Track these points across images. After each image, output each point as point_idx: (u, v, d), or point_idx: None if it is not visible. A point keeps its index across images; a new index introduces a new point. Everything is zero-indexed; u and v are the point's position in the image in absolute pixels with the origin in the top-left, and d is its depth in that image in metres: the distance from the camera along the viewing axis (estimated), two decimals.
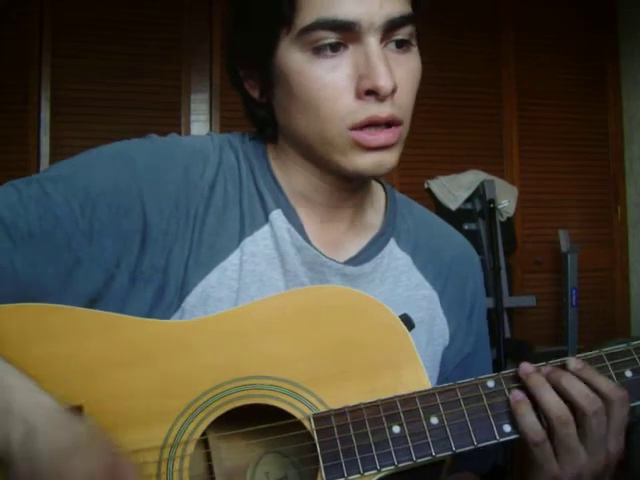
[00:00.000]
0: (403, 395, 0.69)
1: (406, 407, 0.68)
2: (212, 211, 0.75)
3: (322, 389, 0.69)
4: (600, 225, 3.57)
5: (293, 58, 0.70)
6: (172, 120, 3.07)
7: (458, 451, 0.67)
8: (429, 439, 0.67)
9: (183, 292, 0.72)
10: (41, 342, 0.67)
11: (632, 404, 0.69)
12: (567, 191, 3.50)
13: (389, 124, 0.71)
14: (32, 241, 0.68)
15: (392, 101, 0.70)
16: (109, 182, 0.71)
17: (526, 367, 0.70)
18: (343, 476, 0.65)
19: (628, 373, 0.71)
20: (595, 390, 0.67)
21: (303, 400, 0.68)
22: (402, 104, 0.72)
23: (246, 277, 0.75)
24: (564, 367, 0.70)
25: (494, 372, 0.73)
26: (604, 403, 0.66)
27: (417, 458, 0.66)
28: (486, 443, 0.67)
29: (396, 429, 0.67)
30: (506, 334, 2.94)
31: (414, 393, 0.69)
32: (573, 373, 0.68)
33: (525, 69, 3.48)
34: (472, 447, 0.67)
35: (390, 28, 0.69)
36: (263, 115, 0.79)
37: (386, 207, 0.87)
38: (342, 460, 0.66)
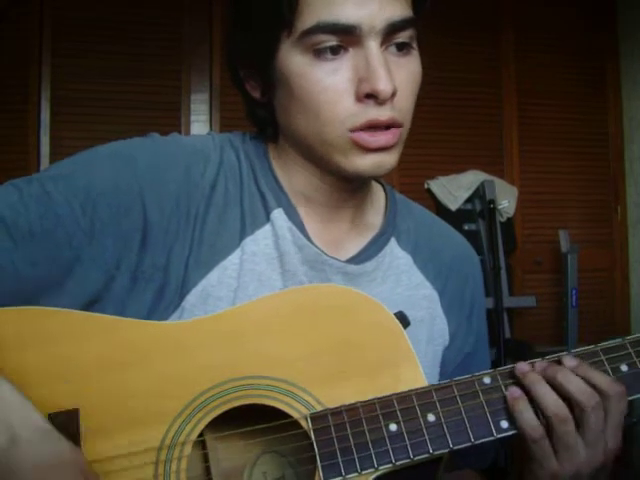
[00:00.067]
0: (400, 393, 0.69)
1: (403, 405, 0.68)
2: (213, 210, 0.75)
3: (319, 389, 0.69)
4: (600, 225, 3.57)
5: (294, 61, 0.70)
6: (172, 120, 3.08)
7: (455, 448, 0.67)
8: (426, 436, 0.67)
9: (183, 291, 0.72)
10: (39, 345, 0.66)
11: (629, 398, 0.69)
12: (567, 191, 3.50)
13: (389, 126, 0.71)
14: (33, 240, 0.68)
15: (392, 104, 0.70)
16: (110, 181, 0.71)
17: (522, 366, 0.70)
18: (341, 475, 0.65)
19: (624, 367, 0.71)
20: (592, 385, 0.67)
21: (300, 400, 0.68)
22: (402, 107, 0.72)
23: (245, 276, 0.75)
24: (559, 363, 0.70)
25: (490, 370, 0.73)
26: (601, 398, 0.67)
27: (414, 456, 0.66)
28: (483, 439, 0.67)
29: (393, 427, 0.67)
30: (506, 334, 2.94)
31: (411, 391, 0.69)
32: (569, 369, 0.68)
33: (525, 69, 3.48)
34: (469, 444, 0.67)
35: (391, 32, 0.69)
36: (264, 115, 0.79)
37: (386, 207, 0.87)
38: (339, 459, 0.66)
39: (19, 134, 2.93)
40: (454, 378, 0.70)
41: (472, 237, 3.08)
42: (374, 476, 0.66)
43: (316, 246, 0.78)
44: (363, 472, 0.65)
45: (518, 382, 0.70)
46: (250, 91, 0.78)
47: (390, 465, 0.66)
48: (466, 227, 3.21)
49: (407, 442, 0.66)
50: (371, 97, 0.69)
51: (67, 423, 0.65)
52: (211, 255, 0.74)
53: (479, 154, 3.37)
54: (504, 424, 0.68)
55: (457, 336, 0.87)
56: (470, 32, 3.38)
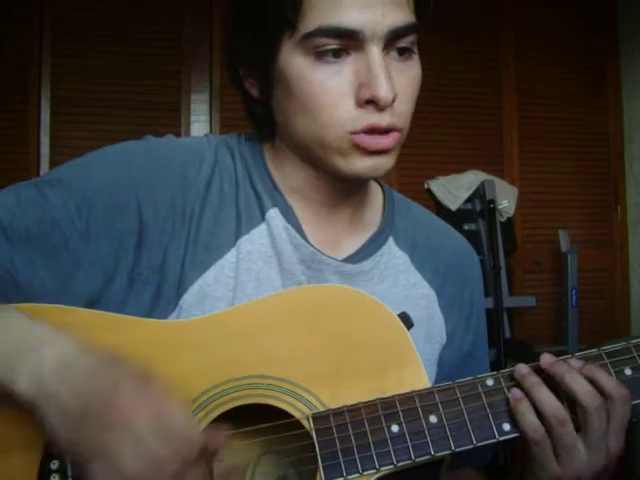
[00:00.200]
0: (402, 394, 0.69)
1: (405, 406, 0.68)
2: (208, 209, 0.75)
3: (321, 388, 0.69)
4: (600, 225, 3.57)
5: (295, 62, 0.70)
6: (172, 120, 3.07)
7: (457, 450, 0.67)
8: (428, 438, 0.67)
9: (180, 290, 0.73)
10: None
11: (633, 402, 0.69)
12: (567, 191, 3.50)
13: (388, 130, 0.71)
14: (30, 241, 0.69)
15: (392, 109, 0.70)
16: (105, 183, 0.72)
17: (521, 368, 0.70)
18: (342, 475, 0.65)
19: (628, 371, 0.71)
20: (597, 387, 0.67)
21: (302, 399, 0.68)
22: (401, 112, 0.72)
23: (242, 275, 0.75)
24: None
25: (493, 372, 0.73)
26: (605, 401, 0.67)
27: (416, 457, 0.66)
28: (485, 442, 0.67)
29: (395, 428, 0.67)
30: (506, 334, 2.94)
31: (413, 392, 0.69)
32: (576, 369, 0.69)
33: (525, 69, 3.48)
34: (471, 446, 0.67)
35: (393, 37, 0.69)
36: (261, 113, 0.79)
37: (384, 206, 0.87)
38: (341, 459, 0.66)
39: (19, 134, 2.92)
40: (457, 380, 0.70)
41: (472, 237, 3.08)
42: (375, 477, 0.66)
43: (312, 245, 0.78)
44: (364, 473, 0.65)
45: (520, 384, 0.70)
46: (249, 88, 0.78)
47: (391, 466, 0.66)
48: (466, 227, 3.20)
49: (409, 443, 0.66)
50: (371, 103, 0.69)
51: None
52: (207, 254, 0.74)
53: (479, 154, 3.37)
54: (506, 427, 0.68)
55: (455, 335, 0.87)
56: (470, 32, 3.38)
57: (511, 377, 0.71)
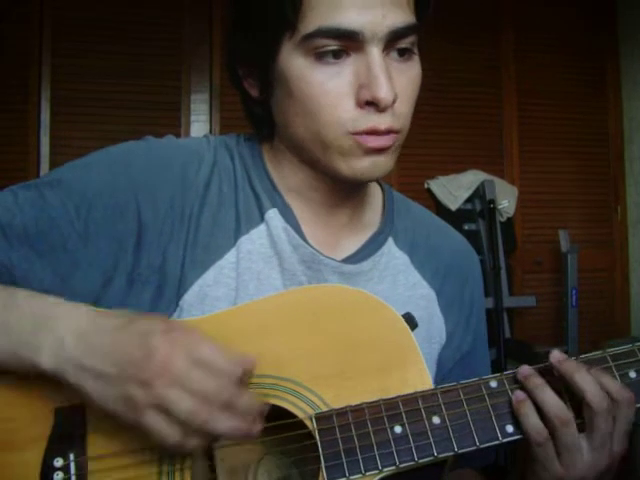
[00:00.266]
0: (405, 395, 0.68)
1: (408, 407, 0.68)
2: (207, 210, 0.75)
3: (324, 388, 0.69)
4: (600, 225, 3.57)
5: (295, 63, 0.70)
6: (172, 120, 3.07)
7: (460, 452, 0.67)
8: (431, 439, 0.67)
9: (180, 291, 0.73)
10: None
11: (637, 405, 0.69)
12: (567, 191, 3.50)
13: (387, 132, 0.71)
14: (28, 240, 0.70)
15: (392, 110, 0.70)
16: (105, 184, 0.72)
17: (524, 370, 0.70)
18: (345, 476, 0.65)
19: (632, 374, 0.70)
20: (603, 389, 0.67)
21: (305, 399, 0.68)
22: (401, 113, 0.72)
23: (244, 275, 0.75)
24: None
25: (493, 372, 0.73)
26: (612, 403, 0.66)
27: (419, 458, 0.66)
28: (489, 444, 0.67)
29: (398, 429, 0.67)
30: (506, 334, 2.94)
31: (416, 393, 0.69)
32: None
33: (525, 69, 3.48)
34: (474, 447, 0.67)
35: (393, 38, 0.69)
36: (261, 113, 0.79)
37: (384, 206, 0.87)
38: (344, 460, 0.65)
39: (19, 134, 2.92)
40: (460, 381, 0.70)
41: (472, 237, 3.08)
42: (378, 478, 0.66)
43: (311, 246, 0.78)
44: (367, 473, 0.65)
45: (523, 386, 0.69)
46: (248, 89, 0.78)
47: (394, 467, 0.66)
48: (466, 227, 3.20)
49: (412, 444, 0.66)
50: (372, 104, 0.69)
51: (72, 418, 0.66)
52: (206, 255, 0.74)
53: (479, 154, 3.37)
54: (509, 428, 0.68)
55: (455, 335, 0.87)
56: (470, 32, 3.38)
57: (514, 379, 0.70)
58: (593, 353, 0.71)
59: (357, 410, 0.68)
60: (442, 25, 3.12)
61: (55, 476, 0.64)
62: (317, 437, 0.66)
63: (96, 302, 0.71)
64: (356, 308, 0.72)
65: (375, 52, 0.68)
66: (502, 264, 3.05)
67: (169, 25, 3.12)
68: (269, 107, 0.77)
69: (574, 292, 3.09)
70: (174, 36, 3.11)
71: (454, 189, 3.24)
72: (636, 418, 0.68)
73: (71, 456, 0.65)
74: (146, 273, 0.72)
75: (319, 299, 0.72)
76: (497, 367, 2.70)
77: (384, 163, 0.72)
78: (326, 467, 0.65)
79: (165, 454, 0.65)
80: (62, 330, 0.63)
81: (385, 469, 0.66)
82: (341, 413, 0.67)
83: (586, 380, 0.67)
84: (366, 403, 0.68)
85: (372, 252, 0.82)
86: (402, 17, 0.69)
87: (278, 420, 0.68)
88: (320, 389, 0.69)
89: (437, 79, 3.16)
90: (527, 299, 3.17)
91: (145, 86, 3.04)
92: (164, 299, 0.73)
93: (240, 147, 0.81)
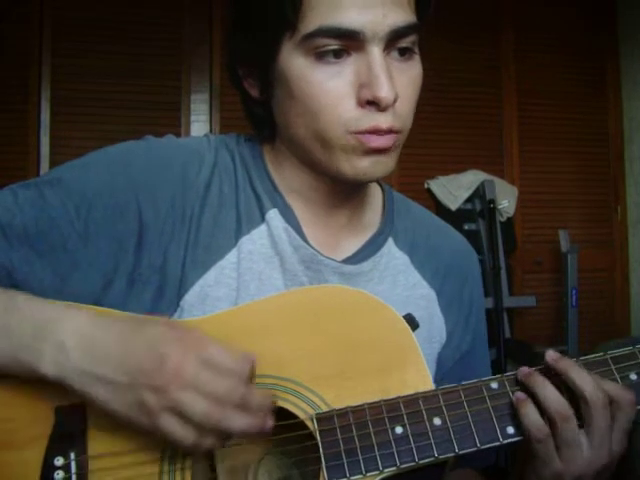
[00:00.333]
0: (406, 396, 0.68)
1: (409, 408, 0.68)
2: (208, 210, 0.75)
3: (325, 388, 0.69)
4: (600, 225, 3.57)
5: (295, 62, 0.70)
6: (172, 120, 3.07)
7: (461, 453, 0.67)
8: (432, 440, 0.67)
9: (181, 291, 0.73)
10: None
11: (638, 407, 0.69)
12: (567, 191, 3.50)
13: (388, 132, 0.71)
14: (28, 241, 0.69)
15: (393, 110, 0.70)
16: (105, 184, 0.72)
17: (524, 369, 0.70)
18: (345, 476, 0.65)
19: (633, 376, 0.70)
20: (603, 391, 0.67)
21: (306, 399, 0.68)
22: (403, 112, 0.72)
23: (245, 275, 0.75)
24: None
25: (493, 371, 0.73)
26: (611, 405, 0.67)
27: (420, 459, 0.66)
28: (489, 445, 0.67)
29: (399, 430, 0.67)
30: (506, 334, 2.94)
31: (417, 394, 0.69)
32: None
33: (525, 69, 3.48)
34: (475, 449, 0.67)
35: (394, 38, 0.69)
36: (261, 114, 0.79)
37: (384, 206, 0.87)
38: (344, 460, 0.65)
39: (19, 134, 2.93)
40: (461, 383, 0.70)
41: (472, 237, 3.08)
42: (379, 478, 0.66)
43: (312, 247, 0.78)
44: (368, 474, 0.65)
45: (523, 386, 0.70)
46: (248, 89, 0.78)
47: (395, 468, 0.66)
48: (466, 227, 3.20)
49: (412, 445, 0.66)
50: (372, 104, 0.69)
51: (73, 417, 0.65)
52: (207, 255, 0.74)
53: (479, 154, 3.37)
54: (510, 430, 0.68)
55: (454, 335, 0.87)
56: (470, 32, 3.38)
57: (515, 380, 0.71)
58: (594, 355, 0.71)
59: (358, 411, 0.67)
60: (442, 25, 3.12)
61: (56, 475, 0.64)
62: (318, 438, 0.66)
63: (97, 303, 0.71)
64: (357, 309, 0.72)
65: (376, 51, 0.68)
66: (502, 264, 3.05)
67: (169, 25, 3.12)
68: (270, 107, 0.77)
69: (574, 292, 3.09)
70: (174, 36, 3.11)
71: (454, 189, 3.24)
72: (636, 417, 0.68)
73: (72, 455, 0.65)
74: (147, 273, 0.72)
75: (320, 300, 0.72)
76: (497, 367, 2.69)
77: (385, 163, 0.72)
78: (327, 467, 0.65)
79: (166, 453, 0.65)
80: (63, 334, 0.63)
81: (386, 470, 0.65)
82: (342, 414, 0.67)
83: (582, 376, 0.67)
84: (367, 404, 0.68)
85: (372, 253, 0.82)
86: (403, 16, 0.69)
87: (279, 420, 0.67)
88: (321, 389, 0.69)
89: (437, 79, 3.16)
90: (527, 299, 3.17)
91: (145, 86, 3.04)
92: (164, 299, 0.72)
93: (241, 147, 0.81)
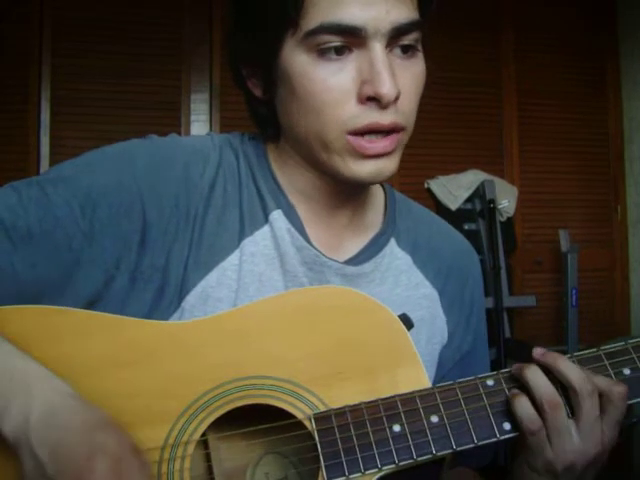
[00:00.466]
0: (403, 394, 0.69)
1: (406, 406, 0.68)
2: (212, 211, 0.75)
3: (323, 389, 0.69)
4: (600, 225, 3.57)
5: (298, 60, 0.70)
6: (172, 120, 3.07)
7: (459, 449, 0.67)
8: (430, 437, 0.67)
9: (183, 292, 0.73)
10: (43, 343, 0.67)
11: (630, 401, 0.70)
12: (567, 191, 3.50)
13: (390, 131, 0.71)
14: (32, 241, 0.69)
15: (395, 107, 0.70)
16: (109, 182, 0.72)
17: (518, 365, 0.71)
18: (344, 475, 0.65)
19: (626, 371, 0.71)
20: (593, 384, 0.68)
21: (304, 400, 0.68)
22: (405, 110, 0.71)
23: (245, 277, 0.75)
24: None
25: (493, 372, 0.73)
26: (601, 398, 0.67)
27: (418, 457, 0.66)
28: (486, 441, 0.68)
29: (397, 428, 0.67)
30: (506, 334, 2.94)
31: (414, 392, 0.69)
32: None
33: (525, 69, 3.48)
34: (472, 445, 0.67)
35: (396, 35, 0.69)
36: (265, 113, 0.78)
37: (386, 207, 0.87)
38: (343, 459, 0.66)
39: (19, 134, 2.93)
40: (457, 380, 0.71)
41: (472, 237, 3.08)
42: (378, 476, 0.66)
43: (315, 247, 0.78)
44: (367, 472, 0.65)
45: (518, 383, 0.70)
46: (252, 89, 0.78)
47: (393, 465, 0.66)
48: (466, 227, 3.20)
49: (410, 443, 0.67)
50: (373, 100, 0.68)
51: None
52: (210, 256, 0.74)
53: (479, 154, 3.37)
54: (507, 426, 0.69)
55: (455, 335, 0.87)
56: (470, 32, 3.38)
57: (511, 377, 0.71)
58: (588, 351, 0.72)
59: (356, 410, 0.68)
60: (442, 25, 3.12)
61: None
62: (316, 437, 0.66)
63: (98, 301, 0.71)
64: (354, 310, 0.72)
65: (378, 48, 0.68)
66: (502, 264, 3.05)
67: (169, 25, 3.12)
68: (273, 107, 0.77)
69: (574, 292, 3.09)
70: (174, 36, 3.12)
71: (454, 189, 3.24)
72: (636, 416, 0.69)
73: None
74: (149, 272, 0.72)
75: (317, 301, 0.73)
76: (497, 367, 2.70)
77: (387, 166, 0.72)
78: (326, 466, 0.65)
79: (163, 457, 0.65)
80: (32, 406, 0.59)
81: (384, 467, 0.66)
82: (340, 413, 0.68)
83: (568, 365, 0.68)
84: (364, 403, 0.68)
85: (374, 254, 0.82)
86: (406, 13, 0.69)
87: (277, 421, 0.68)
88: (319, 389, 0.69)
89: (437, 79, 3.14)
90: (527, 299, 3.17)
91: (145, 86, 3.04)
92: (165, 300, 0.72)
93: (245, 146, 0.81)
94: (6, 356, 0.63)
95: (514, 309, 3.22)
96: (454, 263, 0.89)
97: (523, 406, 0.68)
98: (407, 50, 0.71)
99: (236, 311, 0.72)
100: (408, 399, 0.69)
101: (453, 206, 3.22)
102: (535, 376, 0.69)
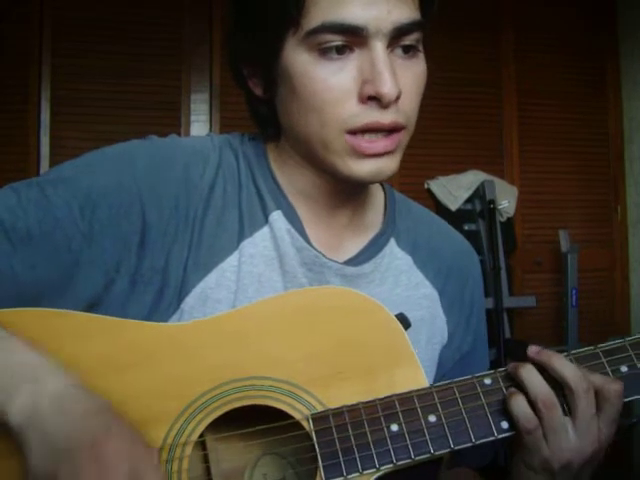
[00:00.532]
0: (401, 394, 0.69)
1: (404, 406, 0.68)
2: (211, 212, 0.75)
3: (321, 389, 0.69)
4: (600, 225, 3.57)
5: (299, 59, 0.70)
6: (172, 120, 3.07)
7: (456, 448, 0.67)
8: (427, 437, 0.67)
9: (182, 293, 0.73)
10: (43, 346, 0.66)
11: (627, 399, 0.69)
12: (567, 191, 3.50)
13: (391, 130, 0.71)
14: (31, 243, 0.68)
15: (396, 107, 0.70)
16: (109, 184, 0.71)
17: (514, 364, 0.72)
18: (342, 475, 0.65)
19: (624, 368, 0.71)
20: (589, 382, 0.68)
21: (302, 401, 0.68)
22: (406, 109, 0.71)
23: (244, 279, 0.75)
24: None
25: (490, 370, 0.73)
26: (597, 396, 0.67)
27: (416, 456, 0.66)
28: (484, 440, 0.68)
29: (394, 428, 0.67)
30: (506, 334, 2.94)
31: (412, 392, 0.69)
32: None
33: (525, 69, 3.48)
34: (470, 444, 0.68)
35: (397, 34, 0.69)
36: (266, 113, 0.78)
37: (385, 207, 0.87)
38: (341, 459, 0.66)
39: (19, 134, 2.93)
40: (454, 379, 0.71)
41: (472, 237, 3.08)
42: (376, 476, 0.66)
43: (315, 248, 0.78)
44: (364, 472, 0.65)
45: (515, 381, 0.70)
46: (252, 88, 0.78)
47: (391, 465, 0.66)
48: (466, 227, 3.20)
49: (408, 442, 0.67)
50: (374, 99, 0.68)
51: None
52: (209, 257, 0.74)
53: (479, 154, 3.37)
54: (504, 424, 0.69)
55: (455, 335, 0.88)
56: (470, 32, 3.38)
57: (508, 376, 0.71)
58: (585, 349, 0.72)
59: (353, 410, 0.68)
60: (442, 25, 3.11)
61: None
62: (314, 437, 0.66)
63: (98, 303, 0.71)
64: (352, 310, 0.72)
65: (379, 47, 0.68)
66: (502, 264, 3.05)
67: (169, 25, 3.12)
68: (274, 106, 0.77)
69: (574, 292, 3.09)
70: (174, 36, 3.12)
71: (454, 189, 3.24)
72: (636, 416, 0.69)
73: None
74: (148, 274, 0.72)
75: (317, 301, 0.73)
76: (497, 367, 2.69)
77: (387, 165, 0.72)
78: (324, 466, 0.65)
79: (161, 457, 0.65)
80: (42, 392, 0.59)
81: (382, 467, 0.66)
82: (338, 413, 0.68)
83: (563, 363, 0.68)
84: (362, 403, 0.68)
85: (374, 254, 0.82)
86: (407, 13, 0.69)
87: (274, 421, 0.68)
88: (317, 390, 0.69)
89: (437, 79, 3.13)
90: (527, 299, 3.17)
91: (145, 86, 3.04)
92: (165, 301, 0.72)
93: (244, 146, 0.81)
94: (11, 349, 0.63)
95: (514, 309, 3.21)
96: (454, 263, 0.89)
97: (519, 405, 0.68)
98: (408, 50, 0.71)
99: (235, 312, 0.72)
100: (406, 398, 0.69)
101: (453, 206, 3.22)
102: (530, 375, 0.69)
